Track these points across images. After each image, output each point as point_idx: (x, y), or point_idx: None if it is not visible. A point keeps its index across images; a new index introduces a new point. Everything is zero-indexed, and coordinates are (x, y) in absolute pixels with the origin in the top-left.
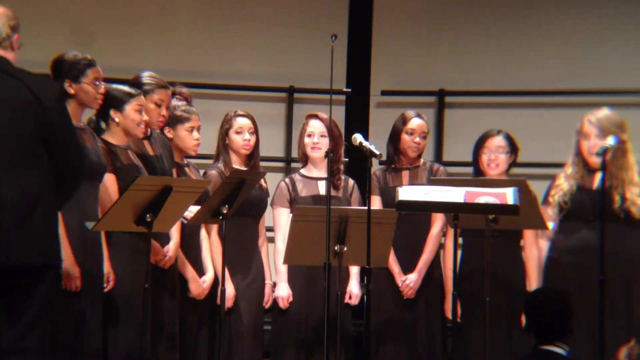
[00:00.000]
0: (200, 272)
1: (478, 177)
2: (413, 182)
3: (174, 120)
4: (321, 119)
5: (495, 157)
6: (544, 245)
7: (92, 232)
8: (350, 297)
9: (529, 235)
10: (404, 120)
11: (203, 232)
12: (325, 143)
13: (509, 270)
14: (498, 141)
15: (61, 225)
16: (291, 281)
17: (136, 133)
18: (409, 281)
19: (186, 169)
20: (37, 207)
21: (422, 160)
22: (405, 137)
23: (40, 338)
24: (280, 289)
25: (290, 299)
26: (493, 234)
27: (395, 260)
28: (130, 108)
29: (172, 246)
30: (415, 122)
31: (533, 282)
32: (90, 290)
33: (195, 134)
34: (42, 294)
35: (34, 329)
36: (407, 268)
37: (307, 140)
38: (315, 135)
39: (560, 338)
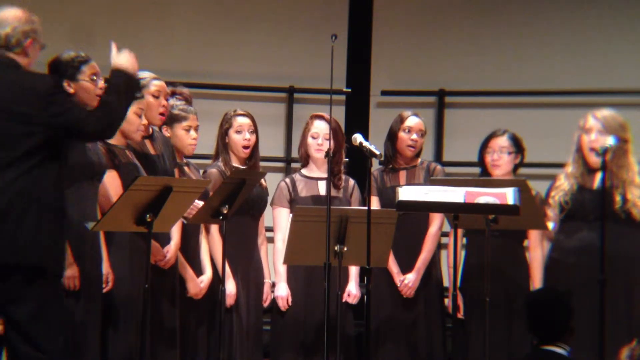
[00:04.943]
0: (199, 272)
1: (483, 177)
2: (410, 181)
3: (171, 119)
4: (327, 121)
5: (498, 158)
6: (548, 246)
7: (91, 232)
8: (349, 296)
9: (533, 236)
10: (401, 119)
11: (202, 233)
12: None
13: (512, 270)
14: (502, 141)
15: None
16: (290, 282)
17: (134, 137)
18: (408, 281)
19: (186, 168)
20: (29, 207)
21: (419, 160)
22: (402, 135)
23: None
24: (279, 289)
25: (290, 299)
26: (496, 234)
27: (393, 260)
28: (130, 111)
29: (172, 247)
30: (412, 120)
31: (537, 282)
32: (89, 290)
33: (192, 133)
34: (38, 297)
35: (50, 332)
36: (406, 268)
37: (311, 141)
38: (320, 137)
39: (561, 338)
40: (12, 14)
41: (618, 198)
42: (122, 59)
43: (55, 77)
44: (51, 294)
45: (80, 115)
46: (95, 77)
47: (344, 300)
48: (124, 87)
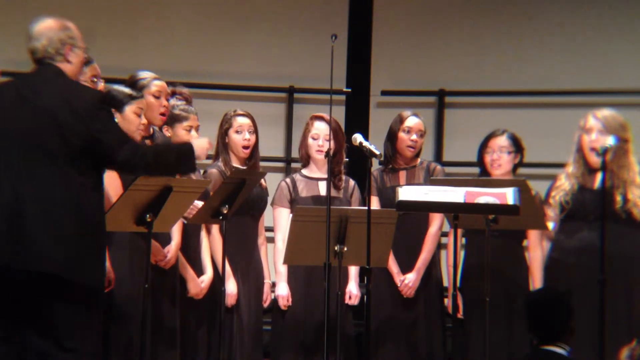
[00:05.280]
0: (200, 272)
1: (482, 177)
2: (410, 181)
3: (172, 119)
4: (327, 122)
5: (498, 157)
6: (548, 246)
7: None
8: (350, 298)
9: (533, 236)
10: (401, 119)
11: (203, 233)
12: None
13: (512, 270)
14: (501, 141)
15: None
16: (290, 281)
17: (133, 136)
18: (408, 281)
19: None
20: (54, 215)
21: (419, 160)
22: (402, 135)
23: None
24: (280, 288)
25: (290, 298)
26: (496, 234)
27: (393, 260)
28: (130, 110)
29: (173, 247)
30: (411, 121)
31: (537, 282)
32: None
33: (193, 133)
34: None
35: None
36: (406, 268)
37: (311, 142)
38: (321, 138)
39: (561, 338)
40: (45, 25)
41: (619, 198)
42: (199, 141)
43: (103, 94)
44: (78, 305)
45: (114, 143)
46: (95, 79)
47: (345, 301)
48: (175, 160)
